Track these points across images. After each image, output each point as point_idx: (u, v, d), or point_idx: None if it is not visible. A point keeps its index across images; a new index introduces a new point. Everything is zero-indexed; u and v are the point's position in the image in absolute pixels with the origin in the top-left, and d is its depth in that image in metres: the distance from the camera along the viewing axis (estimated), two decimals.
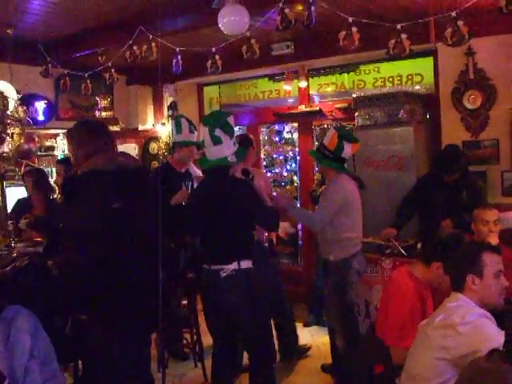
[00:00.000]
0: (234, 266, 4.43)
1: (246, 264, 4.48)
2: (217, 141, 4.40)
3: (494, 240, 4.61)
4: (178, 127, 5.60)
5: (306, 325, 7.22)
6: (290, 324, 6.23)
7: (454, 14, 5.05)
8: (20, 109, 6.18)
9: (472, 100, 6.89)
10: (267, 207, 4.67)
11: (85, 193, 3.56)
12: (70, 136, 3.93)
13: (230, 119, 4.48)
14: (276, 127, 9.65)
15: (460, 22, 5.06)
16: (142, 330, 3.67)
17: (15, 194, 6.89)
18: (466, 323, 2.90)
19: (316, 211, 5.31)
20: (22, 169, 7.89)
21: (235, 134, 4.67)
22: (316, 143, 8.82)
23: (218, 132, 4.38)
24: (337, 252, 5.16)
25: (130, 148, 9.33)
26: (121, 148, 8.88)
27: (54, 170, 8.82)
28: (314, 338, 6.81)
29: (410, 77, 7.93)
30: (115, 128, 9.04)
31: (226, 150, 4.44)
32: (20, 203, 6.55)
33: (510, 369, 2.19)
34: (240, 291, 4.44)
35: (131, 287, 3.53)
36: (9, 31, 6.93)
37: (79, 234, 3.54)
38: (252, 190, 4.60)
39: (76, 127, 3.86)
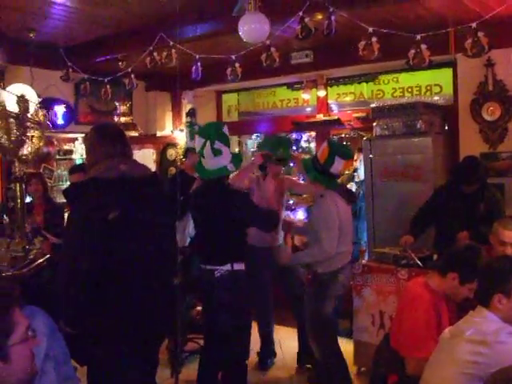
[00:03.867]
0: (227, 267, 4.71)
1: (238, 266, 4.77)
2: (218, 153, 4.62)
3: None
4: (191, 133, 5.73)
5: None
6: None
7: (474, 25, 5.04)
8: (40, 112, 6.21)
9: (491, 112, 6.87)
10: (262, 212, 5.03)
11: (81, 201, 3.55)
12: (84, 141, 3.95)
13: (225, 129, 4.72)
14: (294, 136, 9.66)
15: (480, 33, 5.06)
16: (142, 344, 3.67)
17: None
18: (500, 342, 2.89)
19: (322, 239, 5.23)
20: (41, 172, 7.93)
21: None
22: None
23: (217, 144, 4.59)
24: (325, 265, 5.17)
25: (148, 154, 9.38)
26: (139, 154, 8.93)
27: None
28: None
29: (428, 87, 7.92)
30: (133, 133, 9.11)
31: (225, 160, 4.66)
32: None
33: None
34: (230, 289, 4.71)
35: (125, 302, 3.52)
36: (31, 35, 7.00)
37: (72, 243, 3.54)
38: (247, 199, 4.97)
39: (90, 132, 3.87)
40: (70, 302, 3.47)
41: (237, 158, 4.81)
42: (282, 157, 5.87)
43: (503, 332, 2.94)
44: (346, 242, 5.20)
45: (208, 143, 4.59)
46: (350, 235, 5.34)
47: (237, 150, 10.04)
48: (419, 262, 5.53)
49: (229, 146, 4.69)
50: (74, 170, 6.19)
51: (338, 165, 5.08)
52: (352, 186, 7.89)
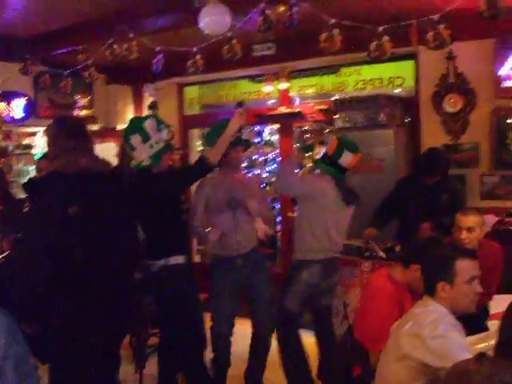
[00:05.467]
0: (162, 261, 4.69)
1: (174, 260, 4.73)
2: (131, 148, 4.67)
3: (467, 247, 4.55)
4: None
5: None
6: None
7: (435, 17, 5.05)
8: None
9: (452, 103, 6.91)
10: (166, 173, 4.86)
11: (41, 195, 3.50)
12: (45, 134, 3.89)
13: (148, 123, 4.69)
14: (256, 128, 9.63)
15: (441, 26, 5.06)
16: (102, 340, 3.63)
17: None
18: (435, 337, 2.87)
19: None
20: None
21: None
22: (297, 145, 8.82)
23: (131, 139, 4.63)
24: (297, 251, 5.31)
25: (109, 147, 9.26)
26: (100, 147, 8.82)
27: (31, 168, 8.76)
28: None
29: (390, 80, 7.92)
30: (94, 127, 9.02)
31: (142, 154, 4.65)
32: None
33: (497, 370, 2.18)
34: (167, 284, 4.71)
35: (83, 298, 3.48)
36: None
37: (30, 238, 3.49)
38: (148, 173, 4.82)
39: (50, 125, 3.81)
40: (27, 298, 3.43)
41: (157, 153, 4.72)
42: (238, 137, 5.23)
43: (441, 324, 2.92)
44: (321, 236, 5.17)
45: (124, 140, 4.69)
46: (329, 231, 5.20)
47: (198, 143, 10.00)
48: (382, 254, 5.56)
49: (146, 141, 4.64)
50: (43, 156, 6.14)
51: (346, 157, 5.13)
52: None
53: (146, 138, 4.64)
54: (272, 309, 5.33)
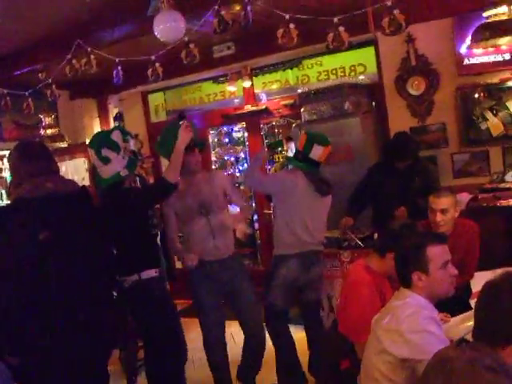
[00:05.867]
0: (134, 277, 4.57)
1: (147, 274, 4.61)
2: (105, 161, 4.52)
3: (443, 228, 4.58)
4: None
5: None
6: None
7: (389, 3, 5.05)
8: None
9: (416, 86, 6.96)
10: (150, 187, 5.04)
11: (8, 225, 3.46)
12: (8, 160, 3.86)
13: (115, 135, 4.58)
14: (224, 129, 9.63)
15: (396, 11, 5.06)
16: (87, 361, 3.60)
17: None
18: (414, 331, 2.87)
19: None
20: None
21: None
22: (266, 141, 8.83)
23: (104, 152, 4.49)
24: (275, 247, 5.36)
25: (80, 163, 9.20)
26: (70, 164, 8.78)
27: (3, 192, 8.67)
28: None
29: (352, 68, 7.96)
30: (62, 144, 8.95)
31: (117, 166, 4.52)
32: None
33: (478, 355, 2.19)
34: (140, 299, 4.62)
35: (62, 322, 3.45)
36: None
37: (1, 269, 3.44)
38: (135, 190, 4.96)
39: (11, 152, 3.77)
40: (3, 329, 3.39)
41: (132, 162, 4.66)
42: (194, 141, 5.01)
43: (420, 317, 2.92)
44: (297, 229, 5.19)
45: (93, 153, 4.56)
46: (307, 225, 5.23)
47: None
48: (360, 243, 5.57)
49: (119, 152, 4.54)
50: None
51: (316, 151, 5.14)
52: None
53: (117, 149, 4.55)
54: (259, 308, 5.25)
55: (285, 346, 5.42)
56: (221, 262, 5.08)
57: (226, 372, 5.22)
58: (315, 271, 5.33)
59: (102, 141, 4.59)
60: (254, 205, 8.84)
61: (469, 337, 2.39)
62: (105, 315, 3.69)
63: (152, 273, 4.66)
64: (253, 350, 5.29)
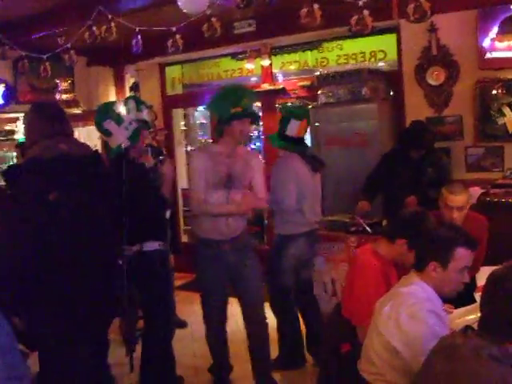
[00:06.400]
0: (136, 247, 4.59)
1: (149, 246, 4.63)
2: (107, 134, 4.60)
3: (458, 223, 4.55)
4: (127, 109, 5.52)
5: None
6: None
7: None
8: None
9: (435, 76, 6.89)
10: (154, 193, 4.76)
11: (20, 183, 3.47)
12: (24, 121, 3.87)
13: (117, 106, 4.65)
14: None
15: None
16: (89, 325, 3.62)
17: None
18: (410, 319, 2.89)
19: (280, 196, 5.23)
20: None
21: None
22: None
23: (105, 125, 4.55)
24: (280, 226, 5.35)
25: (93, 130, 9.17)
26: (83, 131, 8.77)
27: (14, 154, 8.69)
28: None
29: (373, 54, 7.90)
30: (76, 110, 8.94)
31: (119, 137, 4.55)
32: None
33: (484, 343, 2.19)
34: (140, 269, 4.61)
35: (66, 284, 3.46)
36: None
37: (11, 226, 3.45)
38: (141, 173, 4.72)
39: (27, 112, 3.78)
40: (10, 287, 3.41)
41: (135, 133, 4.64)
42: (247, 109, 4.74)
43: (421, 308, 2.92)
44: (304, 209, 5.23)
45: (95, 127, 4.64)
46: (312, 203, 5.33)
47: (182, 123, 9.97)
48: (368, 229, 5.56)
49: (120, 123, 4.57)
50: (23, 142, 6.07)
51: (292, 126, 5.16)
52: None
53: (119, 120, 4.58)
54: (262, 293, 5.02)
55: (291, 323, 5.48)
56: (230, 242, 4.81)
57: (223, 351, 5.19)
58: (314, 250, 5.48)
59: (104, 113, 4.64)
60: None
61: (475, 326, 2.39)
62: (109, 279, 3.70)
63: (155, 245, 4.68)
64: (256, 342, 5.05)
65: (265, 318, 5.01)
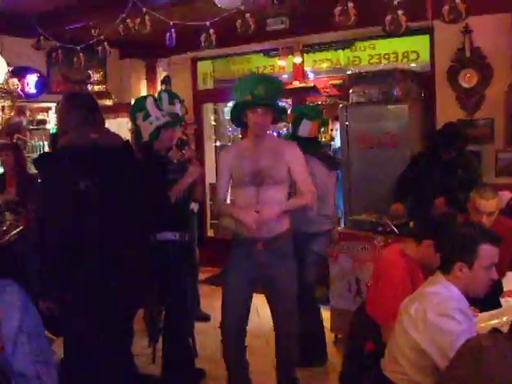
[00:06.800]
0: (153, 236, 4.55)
1: (163, 236, 4.62)
2: (137, 127, 4.79)
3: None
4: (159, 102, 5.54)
5: None
6: None
7: None
8: (10, 81, 6.09)
9: (468, 79, 6.86)
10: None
11: (51, 171, 3.52)
12: (56, 110, 3.93)
13: (149, 101, 4.74)
14: None
15: (457, 0, 5.00)
16: (114, 314, 3.66)
17: None
18: (437, 315, 2.87)
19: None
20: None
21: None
22: None
23: (137, 119, 4.73)
24: (302, 224, 5.13)
25: (123, 123, 9.26)
26: (114, 123, 8.83)
27: (46, 143, 8.77)
28: None
29: (405, 54, 7.88)
30: (108, 102, 9.01)
31: (144, 132, 4.71)
32: None
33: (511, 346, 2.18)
34: (155, 261, 4.46)
35: (93, 272, 3.51)
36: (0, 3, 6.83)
37: (42, 213, 3.51)
38: (158, 165, 4.75)
39: (60, 100, 3.83)
40: (39, 271, 3.47)
41: (156, 130, 4.74)
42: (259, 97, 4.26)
43: (448, 306, 2.90)
44: (322, 208, 5.23)
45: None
46: (329, 203, 5.40)
47: (212, 117, 10.01)
48: (395, 229, 5.54)
49: (146, 119, 4.71)
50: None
51: (304, 127, 5.20)
52: None
53: (146, 115, 4.68)
54: (294, 300, 4.56)
55: (313, 320, 5.48)
56: (263, 242, 4.34)
57: (236, 356, 4.65)
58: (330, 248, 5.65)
59: (135, 107, 4.82)
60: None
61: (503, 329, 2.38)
62: (135, 268, 3.74)
63: (170, 236, 4.68)
64: (282, 348, 4.67)
65: (295, 331, 4.61)
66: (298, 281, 4.82)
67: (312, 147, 5.27)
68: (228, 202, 4.70)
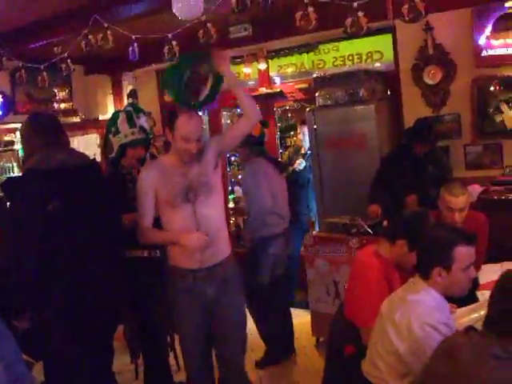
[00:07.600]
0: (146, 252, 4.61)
1: (130, 253, 4.54)
2: (108, 143, 4.84)
3: (458, 225, 4.52)
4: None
5: None
6: None
7: None
8: None
9: (432, 75, 6.89)
10: None
11: (19, 195, 3.49)
12: (20, 134, 3.91)
13: (121, 117, 4.78)
14: (238, 110, 9.58)
15: None
16: (92, 333, 3.65)
17: None
18: (421, 324, 2.86)
19: (255, 196, 5.43)
20: None
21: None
22: (278, 125, 8.81)
23: (110, 134, 4.79)
24: (259, 229, 5.46)
25: (92, 139, 9.22)
26: (82, 140, 8.79)
27: (15, 165, 8.70)
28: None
29: (369, 54, 7.91)
30: (75, 119, 8.97)
31: (114, 147, 4.75)
32: None
33: (486, 344, 2.19)
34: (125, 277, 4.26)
35: (68, 293, 3.50)
36: None
37: (12, 238, 3.49)
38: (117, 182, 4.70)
39: (23, 124, 3.82)
40: (14, 292, 3.46)
41: (121, 148, 4.79)
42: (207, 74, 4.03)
43: (435, 320, 2.87)
44: (276, 206, 5.44)
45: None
46: (282, 202, 5.62)
47: None
48: (369, 230, 5.56)
49: (116, 134, 4.76)
50: None
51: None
52: (301, 161, 7.78)
53: (116, 131, 4.72)
54: (243, 334, 4.22)
55: (275, 320, 5.68)
56: (207, 271, 3.88)
57: None
58: (289, 247, 5.79)
59: (111, 121, 4.85)
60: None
61: (477, 326, 2.39)
62: (111, 285, 3.73)
63: (137, 253, 4.58)
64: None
65: (244, 367, 4.24)
66: (253, 284, 5.32)
67: (263, 150, 5.59)
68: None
